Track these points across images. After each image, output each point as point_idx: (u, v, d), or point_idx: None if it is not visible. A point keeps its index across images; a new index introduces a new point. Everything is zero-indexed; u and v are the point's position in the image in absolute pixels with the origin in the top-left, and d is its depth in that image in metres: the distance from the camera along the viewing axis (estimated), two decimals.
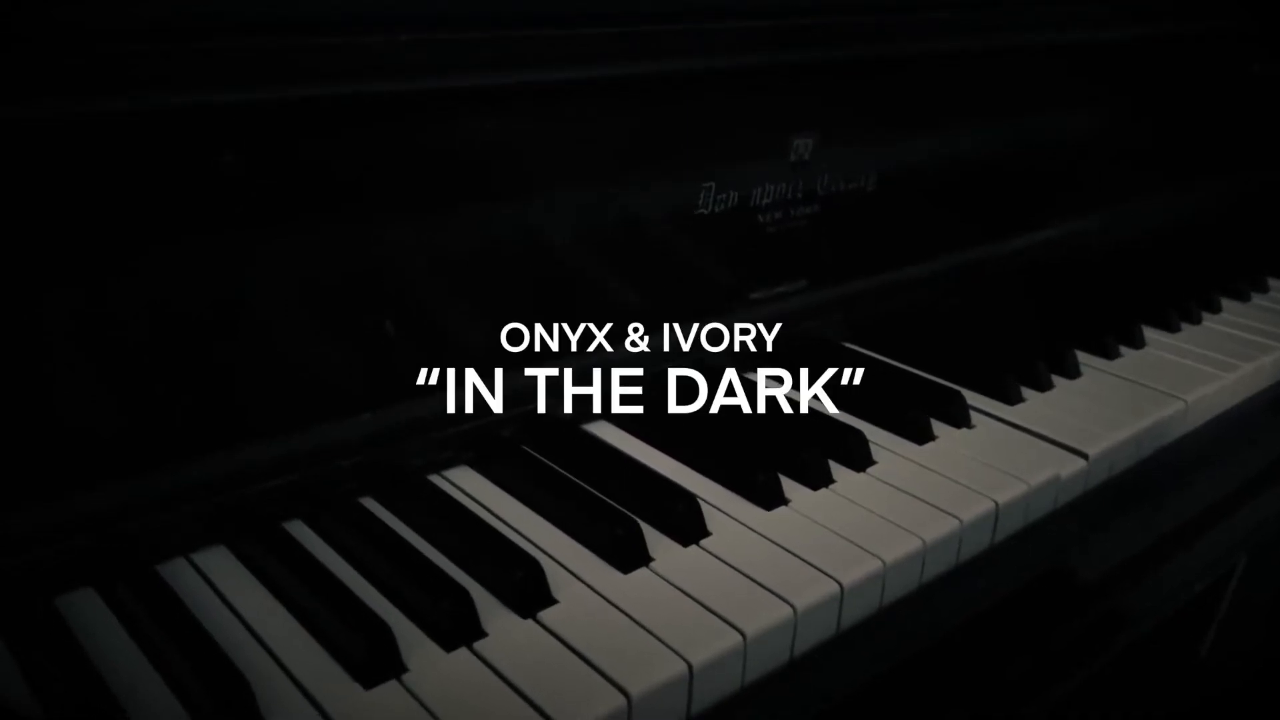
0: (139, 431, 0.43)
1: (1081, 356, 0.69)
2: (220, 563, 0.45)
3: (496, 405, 0.53)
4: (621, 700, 0.38)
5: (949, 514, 0.50)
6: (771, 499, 0.51)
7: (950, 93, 0.72)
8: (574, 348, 0.57)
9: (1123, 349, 0.72)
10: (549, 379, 0.56)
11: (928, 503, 0.51)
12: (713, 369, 0.63)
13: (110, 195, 0.39)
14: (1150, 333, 0.75)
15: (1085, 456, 0.57)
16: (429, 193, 0.48)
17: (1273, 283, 0.89)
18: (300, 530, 0.47)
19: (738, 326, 0.64)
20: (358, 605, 0.41)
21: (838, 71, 0.63)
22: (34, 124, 0.37)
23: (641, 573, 0.45)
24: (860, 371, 0.67)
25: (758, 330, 0.65)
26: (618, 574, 0.45)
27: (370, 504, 0.49)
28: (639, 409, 0.59)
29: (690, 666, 0.40)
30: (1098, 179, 0.90)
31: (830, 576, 0.45)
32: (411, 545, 0.46)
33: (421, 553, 0.45)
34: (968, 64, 0.72)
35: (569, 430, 0.56)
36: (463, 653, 0.40)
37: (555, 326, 0.56)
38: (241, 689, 0.36)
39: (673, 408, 0.59)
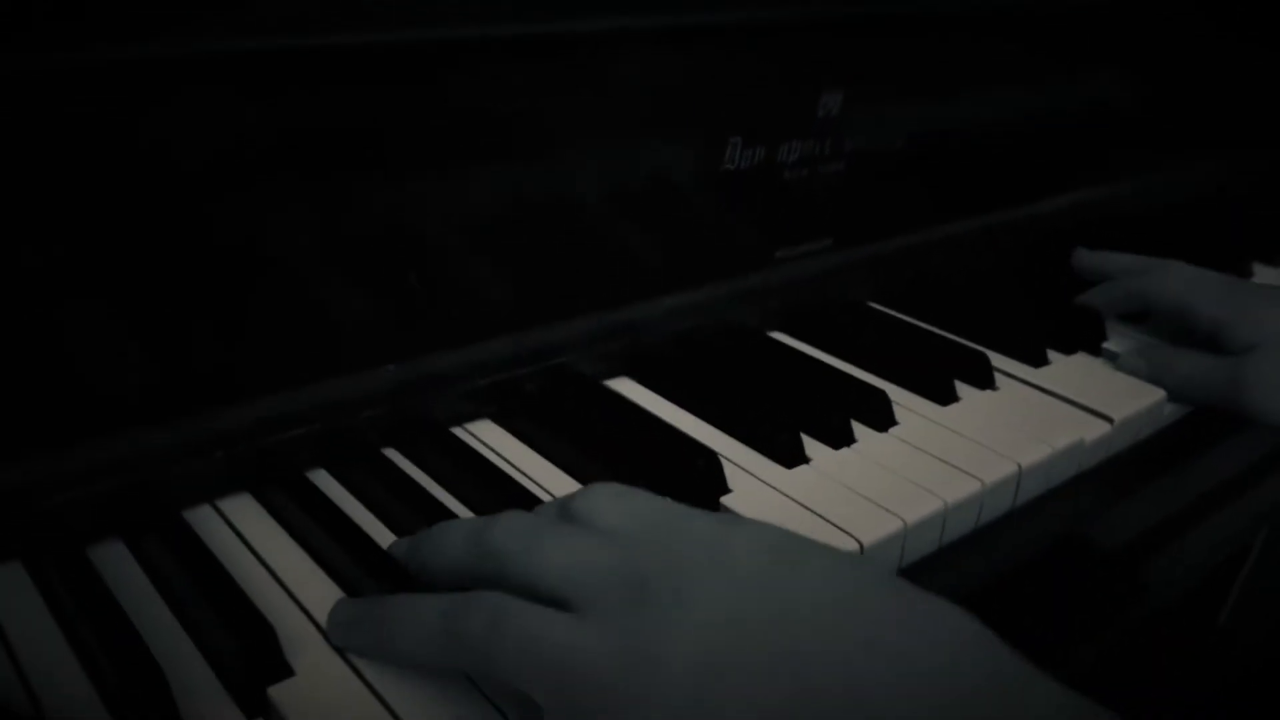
0: (167, 379, 0.43)
1: (1110, 322, 0.68)
2: (244, 509, 0.45)
3: (519, 361, 0.53)
4: None
5: (971, 475, 0.50)
6: (793, 458, 0.51)
7: (982, 51, 0.71)
8: (597, 304, 0.56)
9: (1151, 313, 0.71)
10: (572, 334, 0.56)
11: (950, 464, 0.51)
12: (736, 327, 0.63)
13: (147, 141, 0.39)
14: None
15: (1110, 421, 0.57)
16: (454, 147, 0.48)
17: None
18: (323, 479, 0.48)
19: (762, 285, 0.64)
20: (379, 554, 0.41)
21: (868, 27, 0.62)
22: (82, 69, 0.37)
23: None
24: (885, 331, 0.66)
25: (782, 289, 0.65)
26: None
27: (393, 454, 0.50)
28: (661, 366, 0.58)
29: None
30: (1135, 142, 0.89)
31: (851, 535, 0.45)
32: (432, 495, 0.46)
33: (442, 503, 0.46)
34: (1000, 22, 0.71)
35: (591, 386, 0.56)
36: None
37: (578, 282, 0.55)
38: (266, 633, 0.37)
39: (695, 366, 0.59)
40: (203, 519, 0.44)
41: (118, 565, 0.41)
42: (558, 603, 0.33)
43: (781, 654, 0.30)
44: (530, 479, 0.49)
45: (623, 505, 0.36)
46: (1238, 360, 0.60)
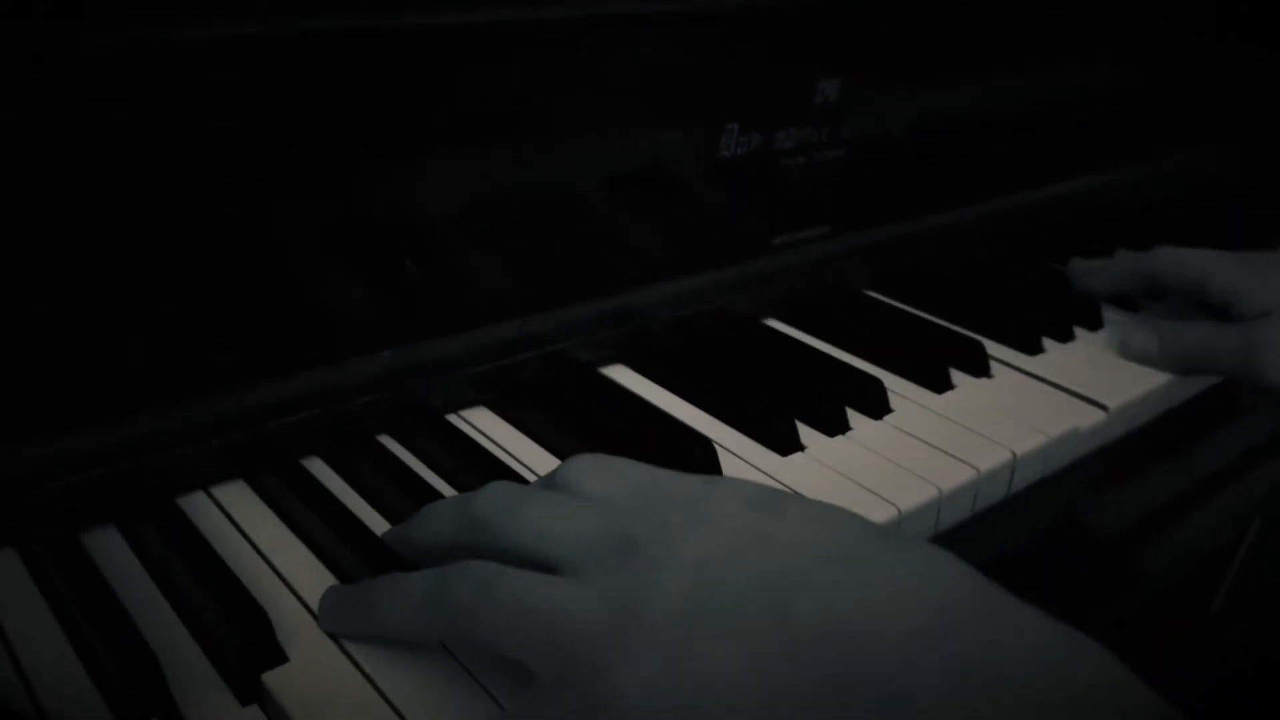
0: (163, 365, 0.43)
1: (1105, 310, 0.68)
2: (239, 497, 0.45)
3: (516, 348, 0.53)
4: None
5: (966, 463, 0.50)
6: (788, 446, 0.51)
7: (978, 38, 0.70)
8: (594, 292, 0.56)
9: (1146, 303, 0.71)
10: (569, 322, 0.55)
11: (945, 452, 0.51)
12: (732, 315, 0.63)
13: (140, 129, 0.39)
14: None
15: (1105, 409, 0.57)
16: (451, 134, 0.48)
17: None
18: (318, 467, 0.47)
19: (758, 272, 0.64)
20: (374, 541, 0.41)
21: (865, 13, 0.62)
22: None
23: None
24: (881, 320, 0.66)
25: (779, 276, 0.65)
26: None
27: (388, 441, 0.50)
28: (658, 354, 0.58)
29: None
30: (1135, 131, 0.89)
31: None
32: (427, 482, 0.46)
33: (437, 490, 0.46)
34: (997, 8, 0.70)
35: (588, 374, 0.56)
36: None
37: (574, 270, 0.55)
38: (261, 621, 0.37)
39: (692, 353, 0.59)
40: (197, 506, 0.44)
41: (112, 552, 0.41)
42: (544, 568, 0.33)
43: (762, 593, 0.30)
44: (526, 466, 0.49)
45: (606, 471, 0.36)
46: (1250, 326, 0.59)
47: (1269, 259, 0.64)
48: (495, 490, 0.37)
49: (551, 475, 0.38)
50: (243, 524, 0.43)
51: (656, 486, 0.35)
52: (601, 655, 0.30)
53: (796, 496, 0.35)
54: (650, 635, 0.30)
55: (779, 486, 0.48)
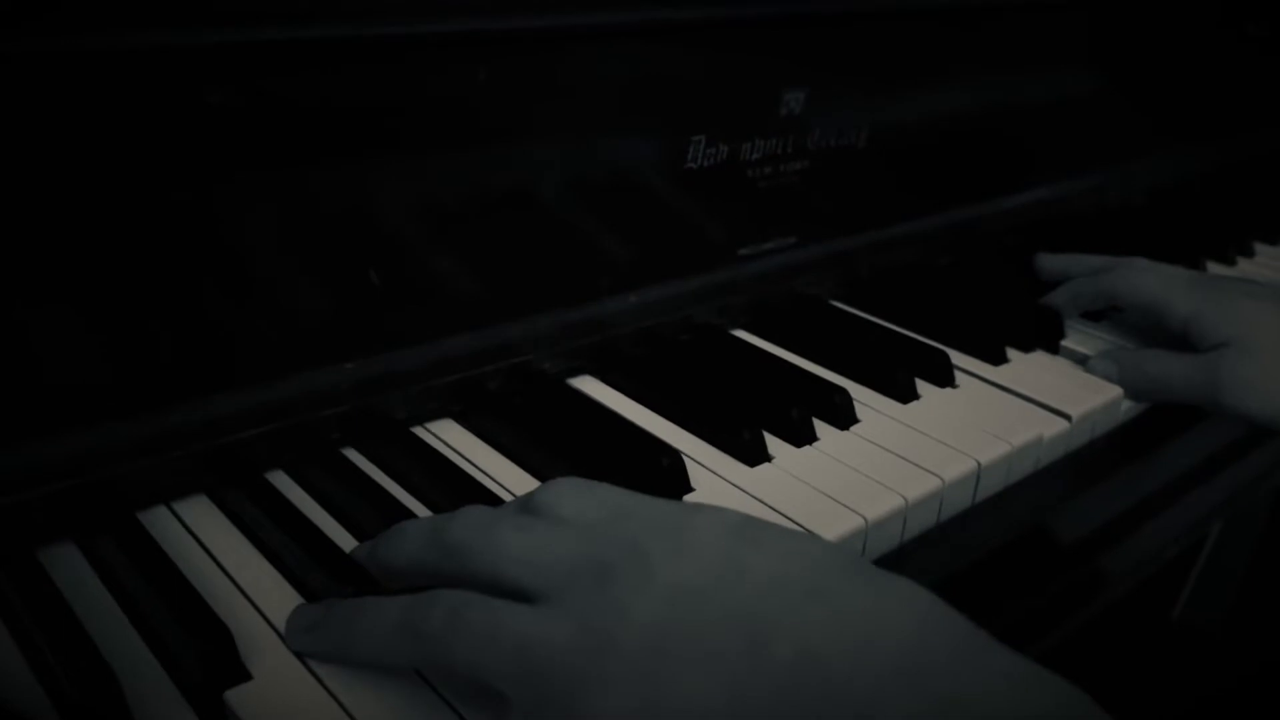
0: (122, 376, 0.42)
1: (1069, 320, 0.69)
2: (201, 511, 0.45)
3: (481, 359, 0.53)
4: None
5: (931, 473, 0.51)
6: (756, 456, 0.51)
7: (945, 48, 0.71)
8: (559, 303, 0.56)
9: (1109, 311, 0.72)
10: (535, 332, 0.55)
11: (910, 461, 0.51)
12: (700, 326, 0.63)
13: (95, 133, 0.39)
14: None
15: (1068, 418, 0.58)
16: (417, 143, 0.47)
17: (1260, 248, 0.89)
18: (281, 480, 0.47)
19: (725, 283, 0.64)
20: (339, 557, 0.41)
21: (830, 24, 0.62)
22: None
23: None
24: (847, 330, 0.67)
25: (745, 287, 0.65)
26: None
27: (352, 454, 0.49)
28: (625, 365, 0.58)
29: None
30: (1091, 139, 0.90)
31: (813, 533, 0.45)
32: (393, 496, 0.46)
33: (403, 504, 0.45)
34: (963, 19, 0.71)
35: (554, 386, 0.56)
36: None
37: (541, 280, 0.55)
38: (223, 637, 0.36)
39: (659, 364, 0.59)
40: (159, 521, 0.44)
41: (70, 568, 0.40)
42: (520, 595, 0.33)
43: (739, 626, 0.30)
44: (493, 479, 0.49)
45: (584, 495, 0.36)
46: (1210, 358, 0.60)
47: (1222, 283, 0.65)
48: (470, 515, 0.36)
49: (529, 497, 0.37)
50: (204, 539, 0.43)
51: (634, 512, 0.35)
52: (577, 683, 0.30)
53: (775, 527, 0.35)
54: (625, 662, 0.30)
55: (746, 496, 0.48)
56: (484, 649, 0.32)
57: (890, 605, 0.31)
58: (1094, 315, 0.71)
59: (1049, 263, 0.73)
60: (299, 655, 0.37)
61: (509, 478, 0.49)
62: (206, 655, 0.35)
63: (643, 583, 0.31)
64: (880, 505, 0.48)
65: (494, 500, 0.46)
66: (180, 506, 0.45)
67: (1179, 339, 0.63)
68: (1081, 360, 0.64)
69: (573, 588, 0.32)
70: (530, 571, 0.33)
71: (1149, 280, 0.65)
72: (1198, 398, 0.60)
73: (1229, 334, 0.60)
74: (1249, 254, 0.88)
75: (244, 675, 0.36)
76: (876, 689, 0.28)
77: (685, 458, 0.49)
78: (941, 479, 0.50)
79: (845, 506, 0.47)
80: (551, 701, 0.30)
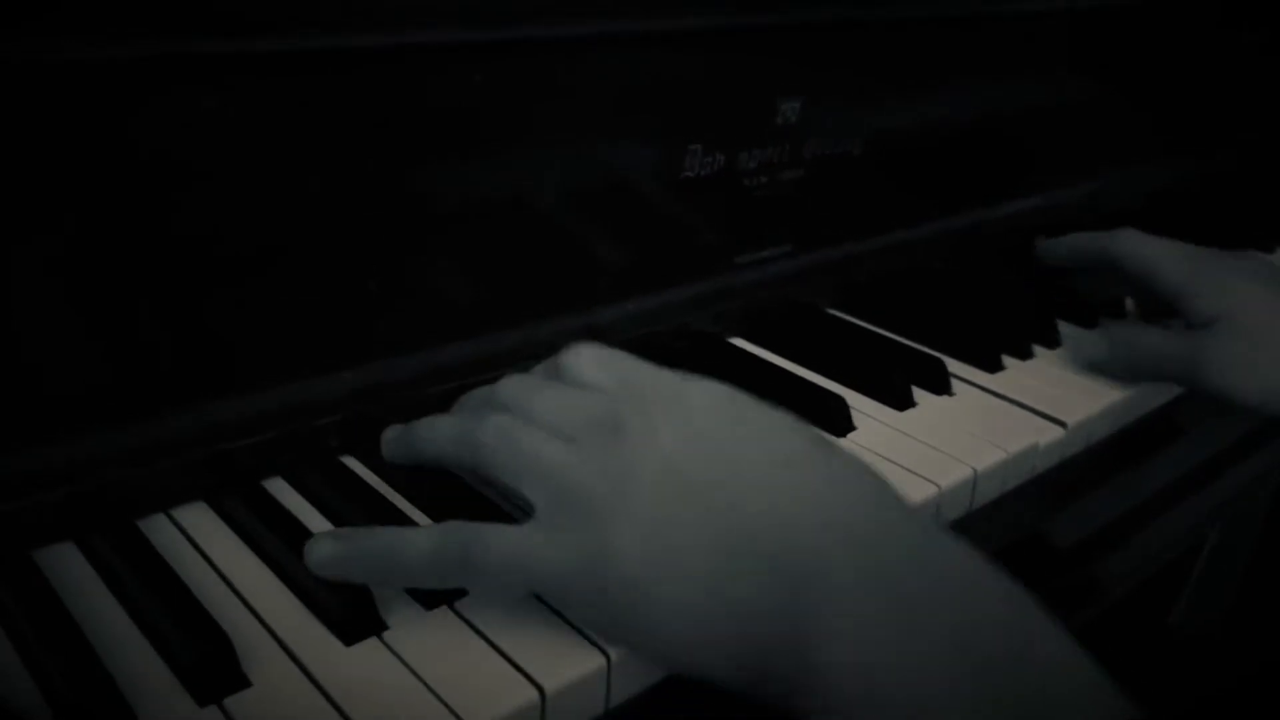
0: (119, 384, 0.43)
1: (1063, 326, 0.69)
2: (200, 519, 0.45)
3: (478, 367, 0.53)
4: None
5: (928, 480, 0.51)
6: None
7: (940, 56, 0.72)
8: (556, 311, 0.56)
9: (1104, 320, 0.72)
10: (532, 340, 0.55)
11: (907, 468, 0.52)
12: (697, 334, 0.63)
13: (87, 141, 0.39)
14: (1133, 303, 0.75)
15: (1064, 425, 0.58)
16: (414, 153, 0.48)
17: (1255, 255, 0.90)
18: (280, 487, 0.47)
19: (722, 291, 0.64)
20: None
21: (825, 33, 0.63)
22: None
23: None
24: (843, 338, 0.67)
25: (742, 295, 0.65)
26: None
27: (351, 462, 0.49)
28: None
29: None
30: (1088, 146, 0.90)
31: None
32: (391, 503, 0.46)
33: (401, 510, 0.46)
34: (957, 27, 0.71)
35: None
36: (442, 610, 0.40)
37: (538, 288, 0.55)
38: (223, 644, 0.36)
39: None
40: (158, 528, 0.44)
41: (70, 574, 0.41)
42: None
43: (722, 489, 0.38)
44: (502, 496, 0.48)
45: (603, 361, 0.44)
46: (1197, 335, 0.60)
47: (1219, 258, 0.64)
48: (511, 381, 0.45)
49: (557, 360, 0.45)
50: (203, 546, 0.43)
51: (645, 378, 0.43)
52: (599, 506, 0.38)
53: (756, 404, 0.42)
54: (636, 496, 0.38)
55: None
56: (525, 464, 0.40)
57: (840, 474, 0.39)
58: (1089, 321, 0.71)
59: (1050, 244, 0.73)
60: (297, 660, 0.37)
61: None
62: (205, 662, 0.36)
63: (648, 438, 0.39)
64: None
65: (491, 506, 0.46)
66: (180, 514, 0.45)
67: (1168, 307, 0.63)
68: (1079, 357, 0.64)
69: (594, 437, 0.39)
70: (559, 420, 0.41)
71: (1147, 244, 0.65)
72: (1182, 374, 0.61)
73: (1218, 309, 0.60)
74: None
75: (244, 683, 0.36)
76: (821, 536, 0.36)
77: None
78: (938, 485, 0.51)
79: None
80: (570, 520, 0.38)
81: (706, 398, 0.41)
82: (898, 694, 0.34)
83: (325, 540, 0.40)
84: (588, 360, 0.44)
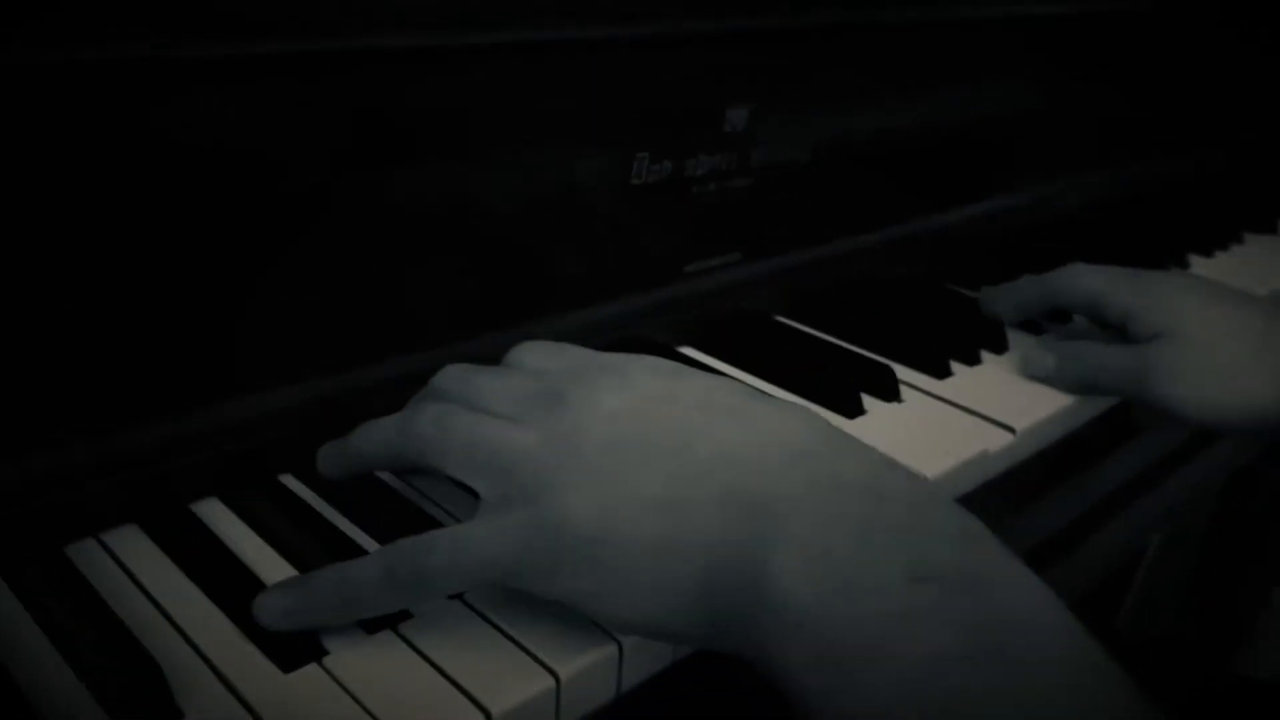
0: (47, 401, 0.41)
1: (1010, 332, 0.69)
2: (132, 543, 0.43)
3: (423, 380, 0.52)
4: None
5: None
6: None
7: (887, 64, 0.72)
8: (506, 320, 0.56)
9: (1050, 325, 0.73)
10: (480, 351, 0.54)
11: None
12: (646, 343, 0.63)
13: (67, 148, 0.37)
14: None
15: (1013, 431, 0.58)
16: (356, 159, 0.46)
17: (1194, 259, 0.91)
18: (217, 509, 0.46)
19: (672, 299, 0.64)
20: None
21: (773, 41, 0.62)
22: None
23: None
24: (792, 345, 0.67)
25: (692, 303, 0.65)
26: None
27: (290, 482, 0.48)
28: None
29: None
30: (1038, 152, 0.91)
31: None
32: (335, 526, 0.45)
33: (346, 534, 0.44)
34: (905, 35, 0.72)
35: None
36: (386, 634, 0.39)
37: (486, 298, 0.54)
38: (153, 673, 0.35)
39: None
40: (86, 553, 0.42)
41: None
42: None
43: (670, 436, 0.38)
44: (445, 510, 0.47)
45: (545, 350, 0.44)
46: (1144, 348, 0.61)
47: (1161, 278, 0.66)
48: (450, 370, 0.44)
49: (504, 359, 0.45)
50: (135, 571, 0.41)
51: (587, 358, 0.43)
52: (545, 478, 0.37)
53: (700, 371, 0.42)
54: (584, 463, 0.37)
55: None
56: (464, 449, 0.39)
57: (783, 418, 0.39)
58: (1036, 328, 0.71)
59: (987, 297, 0.73)
60: (233, 690, 0.36)
61: (464, 507, 0.48)
62: (135, 692, 0.34)
63: (590, 407, 0.39)
64: None
65: (430, 524, 0.44)
66: (110, 538, 0.43)
67: (1118, 331, 0.63)
68: (1026, 371, 0.65)
69: (533, 411, 0.40)
70: (497, 400, 0.41)
71: (1089, 277, 0.66)
72: (1129, 387, 0.61)
73: (1164, 325, 0.60)
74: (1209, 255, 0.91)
75: (176, 714, 0.34)
76: (770, 473, 0.36)
77: None
78: None
79: None
80: (520, 493, 0.37)
81: (646, 363, 0.42)
82: (851, 628, 0.33)
83: (274, 594, 0.38)
84: (531, 349, 0.45)
